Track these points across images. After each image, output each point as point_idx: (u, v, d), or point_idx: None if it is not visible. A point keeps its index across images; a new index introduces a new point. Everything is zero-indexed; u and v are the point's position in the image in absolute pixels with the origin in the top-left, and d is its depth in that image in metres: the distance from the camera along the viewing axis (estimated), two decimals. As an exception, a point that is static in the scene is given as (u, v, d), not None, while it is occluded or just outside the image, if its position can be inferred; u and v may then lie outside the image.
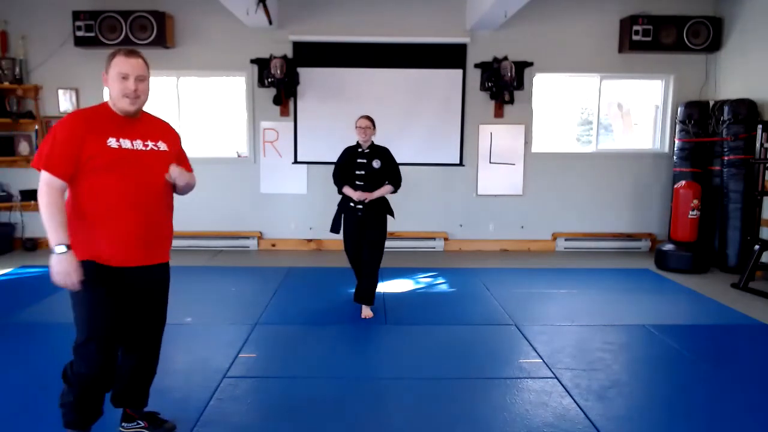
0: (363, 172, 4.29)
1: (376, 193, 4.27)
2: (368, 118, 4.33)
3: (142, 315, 2.40)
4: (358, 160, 4.32)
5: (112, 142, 2.20)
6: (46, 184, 2.12)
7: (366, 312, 4.35)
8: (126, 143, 2.24)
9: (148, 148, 2.30)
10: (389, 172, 4.32)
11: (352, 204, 4.30)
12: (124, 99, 2.21)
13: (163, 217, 2.39)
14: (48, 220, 2.09)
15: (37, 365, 3.41)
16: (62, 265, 2.08)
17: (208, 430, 2.68)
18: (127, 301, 2.32)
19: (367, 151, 4.33)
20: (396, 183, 4.35)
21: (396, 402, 2.99)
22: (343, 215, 4.41)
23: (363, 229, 4.32)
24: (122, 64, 2.21)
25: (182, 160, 2.49)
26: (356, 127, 4.32)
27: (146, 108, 2.40)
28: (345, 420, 2.80)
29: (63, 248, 2.07)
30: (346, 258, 4.59)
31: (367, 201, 4.24)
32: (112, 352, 2.31)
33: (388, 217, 4.45)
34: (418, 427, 2.74)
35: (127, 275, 2.27)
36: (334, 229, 4.46)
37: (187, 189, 2.46)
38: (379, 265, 4.37)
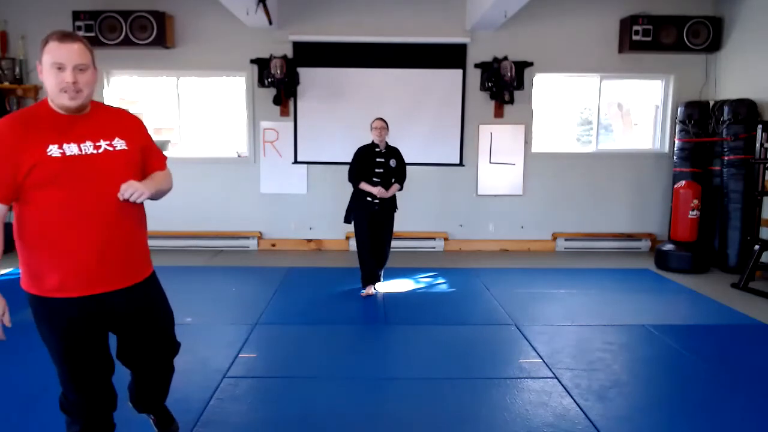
0: (382, 170, 4.74)
1: (391, 191, 4.77)
2: (383, 119, 4.75)
3: (136, 341, 2.10)
4: (377, 160, 4.74)
5: (54, 150, 1.78)
6: None
7: (370, 291, 4.87)
8: (72, 149, 1.81)
9: (101, 150, 1.87)
10: (399, 171, 4.82)
11: (369, 198, 4.73)
12: (62, 94, 1.79)
13: (132, 229, 1.98)
14: None
15: (37, 365, 3.40)
16: None
17: (208, 430, 2.68)
18: (114, 330, 2.04)
19: (384, 151, 4.77)
20: (402, 183, 4.88)
21: (396, 402, 2.99)
22: (357, 207, 4.81)
23: (377, 219, 4.80)
24: (56, 51, 1.77)
25: (150, 154, 2.06)
26: (372, 128, 4.72)
27: (115, 105, 2.10)
28: (345, 420, 2.80)
29: None
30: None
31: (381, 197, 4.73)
32: (103, 377, 2.04)
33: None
34: (418, 427, 2.74)
35: (102, 303, 1.92)
36: (348, 219, 4.88)
37: (158, 195, 2.01)
38: (389, 250, 5.04)
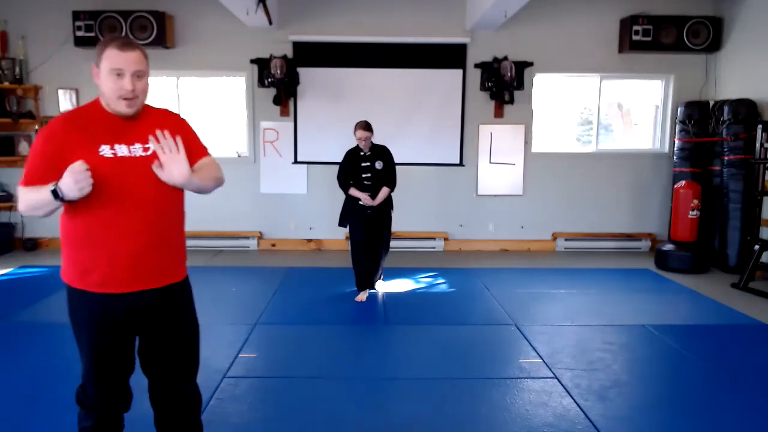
0: (369, 174, 4.64)
1: (380, 198, 4.64)
2: (365, 128, 4.56)
3: (163, 345, 2.04)
4: (363, 164, 4.64)
5: (106, 150, 1.84)
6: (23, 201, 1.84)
7: (364, 296, 4.77)
8: (122, 150, 1.87)
9: (149, 153, 1.90)
10: (388, 173, 4.69)
11: (361, 203, 4.64)
12: (120, 101, 1.85)
13: (172, 230, 2.02)
14: (33, 199, 1.82)
15: (37, 365, 3.41)
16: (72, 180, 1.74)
17: (208, 430, 2.67)
18: (142, 330, 2.02)
19: (369, 153, 4.65)
20: (392, 185, 4.73)
21: (396, 402, 2.99)
22: (350, 211, 4.73)
23: (372, 222, 4.70)
24: (116, 58, 1.82)
25: (195, 153, 2.05)
26: (356, 138, 4.60)
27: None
28: (345, 420, 2.80)
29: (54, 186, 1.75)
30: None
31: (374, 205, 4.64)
32: (123, 377, 2.04)
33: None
34: (418, 427, 2.74)
35: (138, 301, 1.93)
36: (343, 224, 4.84)
37: (205, 182, 2.02)
38: (388, 250, 4.93)
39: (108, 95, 1.86)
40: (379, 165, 4.64)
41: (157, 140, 1.86)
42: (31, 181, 1.83)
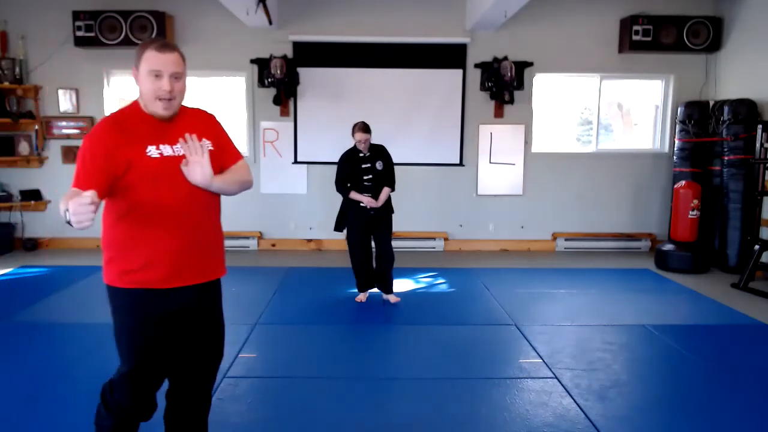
0: (370, 176, 4.51)
1: (382, 198, 4.52)
2: (365, 130, 4.46)
3: (196, 341, 2.09)
4: (363, 165, 4.50)
5: (152, 150, 1.89)
6: None
7: (393, 298, 4.68)
8: (167, 150, 1.91)
9: None
10: (388, 173, 4.58)
11: (362, 205, 4.50)
12: (157, 102, 1.89)
13: (214, 227, 2.09)
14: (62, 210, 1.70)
15: (37, 365, 3.41)
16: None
17: (208, 430, 2.68)
18: (179, 327, 2.04)
19: (368, 154, 4.52)
20: (393, 185, 4.62)
21: (396, 402, 2.99)
22: (350, 215, 4.57)
23: (373, 226, 4.58)
24: (155, 59, 1.86)
25: (227, 154, 2.10)
26: (355, 140, 4.48)
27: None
28: (345, 420, 2.80)
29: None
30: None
31: (376, 207, 4.51)
32: (156, 385, 2.07)
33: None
34: (418, 427, 2.74)
35: (182, 297, 1.99)
36: (339, 227, 4.65)
37: (233, 185, 2.08)
38: (393, 259, 4.71)
39: (146, 96, 1.90)
40: (379, 165, 4.52)
41: (186, 141, 1.92)
42: (78, 183, 1.81)
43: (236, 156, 2.14)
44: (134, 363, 1.98)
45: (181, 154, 1.92)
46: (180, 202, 1.93)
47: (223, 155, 2.08)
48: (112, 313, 1.99)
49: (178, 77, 1.90)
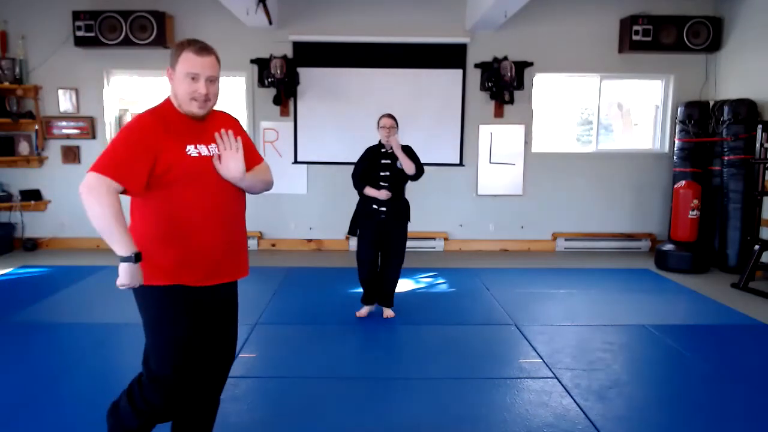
0: (388, 173, 4.16)
1: (401, 154, 4.05)
2: (391, 116, 4.17)
3: (218, 339, 2.13)
4: (383, 161, 4.18)
5: (192, 149, 1.92)
6: (104, 185, 1.78)
7: (388, 312, 4.36)
8: (203, 149, 1.95)
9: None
10: (412, 158, 4.16)
11: (375, 206, 4.14)
12: (193, 102, 1.92)
13: (241, 227, 2.14)
14: (111, 224, 1.77)
15: (37, 365, 3.41)
16: (134, 273, 1.82)
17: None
18: (209, 324, 2.08)
19: (391, 151, 4.17)
20: (419, 169, 4.13)
21: (396, 402, 2.99)
22: (362, 217, 4.24)
23: (385, 232, 4.19)
24: (192, 62, 1.90)
25: (251, 155, 2.15)
26: (379, 127, 4.17)
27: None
28: (345, 420, 2.80)
29: (135, 258, 1.80)
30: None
31: (387, 198, 4.11)
32: (194, 386, 2.07)
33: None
34: (418, 427, 2.74)
35: (210, 294, 2.03)
36: (352, 231, 4.36)
37: (255, 187, 2.14)
38: (401, 267, 4.32)
39: (181, 97, 1.93)
40: (400, 164, 4.13)
41: (221, 137, 1.99)
42: (116, 169, 1.80)
43: (259, 158, 2.21)
44: (175, 366, 1.97)
45: (216, 153, 1.97)
46: (216, 201, 1.97)
47: (248, 156, 2.11)
48: (147, 311, 1.98)
49: (213, 80, 1.94)
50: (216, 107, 2.08)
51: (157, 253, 1.92)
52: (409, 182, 4.26)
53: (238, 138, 2.04)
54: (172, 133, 1.90)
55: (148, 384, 2.01)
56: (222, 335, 2.14)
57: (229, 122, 2.13)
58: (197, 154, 1.93)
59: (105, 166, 1.81)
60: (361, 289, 4.44)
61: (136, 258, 1.82)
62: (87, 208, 1.78)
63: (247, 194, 2.16)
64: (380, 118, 4.20)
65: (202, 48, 1.92)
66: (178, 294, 1.95)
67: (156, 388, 2.00)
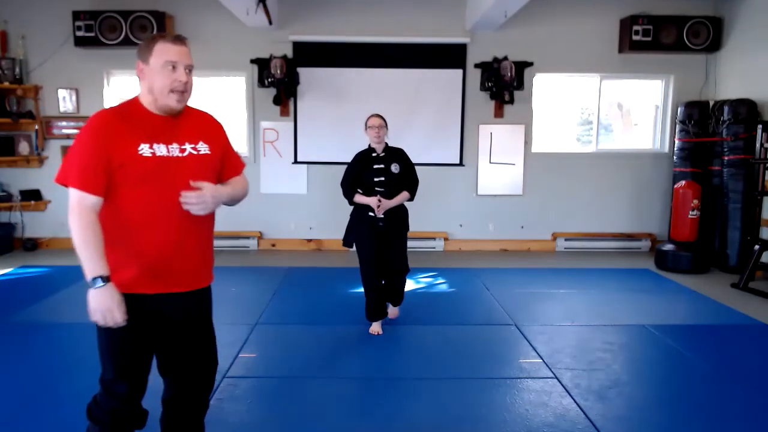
0: (382, 178, 3.85)
1: (394, 202, 3.87)
2: (380, 116, 3.89)
3: (183, 351, 2.02)
4: (375, 166, 3.87)
5: (145, 149, 1.80)
6: (78, 204, 1.75)
7: (394, 312, 4.24)
8: (161, 149, 1.83)
9: (186, 153, 1.89)
10: (407, 177, 3.96)
11: (371, 213, 3.85)
12: (172, 95, 1.83)
13: (204, 234, 2.00)
14: (83, 246, 1.73)
15: (37, 365, 3.41)
16: (102, 301, 1.74)
17: (208, 430, 2.68)
18: (164, 335, 1.98)
19: (383, 154, 3.91)
20: (413, 191, 4.00)
21: (396, 402, 2.99)
22: (357, 228, 3.97)
23: (384, 242, 3.93)
24: (170, 50, 1.82)
25: (228, 160, 2.07)
26: (367, 127, 3.88)
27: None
28: (344, 420, 2.80)
29: (101, 281, 1.73)
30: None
31: (384, 211, 3.84)
32: (143, 389, 2.02)
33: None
34: (418, 427, 2.74)
35: (165, 304, 1.92)
36: (347, 243, 4.03)
37: (232, 202, 2.05)
38: (407, 271, 4.15)
39: (159, 89, 1.83)
40: (395, 168, 3.87)
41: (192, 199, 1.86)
42: (85, 180, 1.75)
43: (239, 166, 2.12)
44: (117, 372, 1.92)
45: (175, 155, 1.86)
46: (171, 206, 1.84)
47: (227, 164, 2.05)
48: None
49: (190, 70, 1.88)
50: (201, 106, 2.03)
51: (106, 256, 1.81)
52: None
53: (204, 188, 1.87)
54: (127, 130, 1.80)
55: (102, 389, 1.98)
56: (190, 349, 2.02)
57: (209, 124, 2.03)
58: (151, 154, 1.81)
59: (75, 177, 1.76)
60: (359, 285, 4.19)
61: (99, 281, 1.73)
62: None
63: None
64: (368, 118, 3.91)
65: (177, 38, 1.86)
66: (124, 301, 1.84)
67: (108, 393, 1.96)
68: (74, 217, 1.75)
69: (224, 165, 2.05)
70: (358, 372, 3.39)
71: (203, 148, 1.93)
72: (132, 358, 1.93)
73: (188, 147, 1.89)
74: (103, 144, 1.77)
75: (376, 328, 4.02)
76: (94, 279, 1.73)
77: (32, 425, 2.70)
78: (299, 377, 3.28)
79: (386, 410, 2.90)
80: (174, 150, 1.86)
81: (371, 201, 3.83)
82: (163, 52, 1.82)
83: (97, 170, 1.76)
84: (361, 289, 4.09)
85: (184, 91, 1.85)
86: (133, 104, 1.89)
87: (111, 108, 1.89)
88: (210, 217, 2.01)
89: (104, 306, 1.74)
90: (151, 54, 1.83)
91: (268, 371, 3.37)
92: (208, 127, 2.01)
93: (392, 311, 4.27)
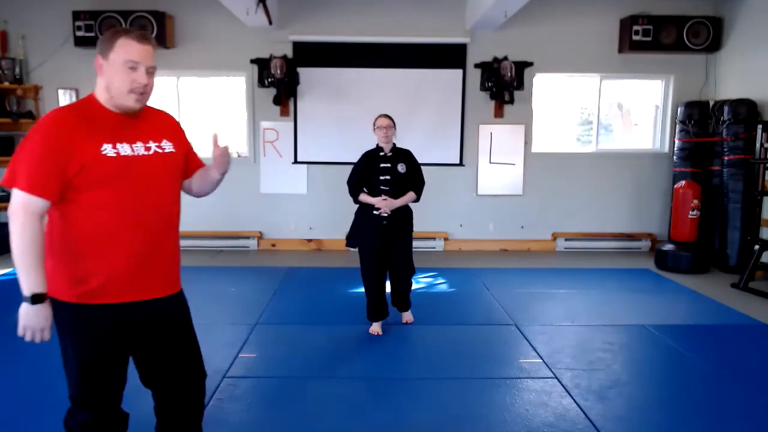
0: (388, 177, 3.88)
1: (400, 201, 3.90)
2: (388, 116, 3.93)
3: (163, 359, 1.92)
4: (382, 165, 3.91)
5: (108, 149, 1.70)
6: (23, 208, 1.63)
7: (408, 317, 4.23)
8: (125, 149, 1.74)
9: (151, 152, 1.80)
10: (413, 177, 3.99)
11: (375, 212, 3.88)
12: (130, 95, 1.73)
13: (171, 236, 1.91)
14: (23, 256, 1.63)
15: (37, 365, 3.40)
16: (37, 321, 1.68)
17: (208, 430, 2.67)
18: (139, 344, 1.88)
19: (390, 154, 3.95)
20: (419, 192, 4.01)
21: (396, 402, 2.99)
22: (360, 228, 3.99)
23: (386, 240, 3.92)
24: (132, 49, 1.71)
25: (192, 159, 2.04)
26: (376, 127, 3.92)
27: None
28: (344, 420, 2.80)
29: (38, 299, 1.65)
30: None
31: (390, 211, 3.86)
32: (117, 400, 1.91)
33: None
34: (418, 427, 2.74)
35: (137, 312, 1.81)
36: (351, 243, 4.07)
37: (212, 187, 2.08)
38: (413, 272, 4.14)
39: (116, 88, 1.73)
40: (402, 168, 3.90)
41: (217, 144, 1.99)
42: (35, 184, 1.63)
43: (201, 162, 2.11)
44: (83, 382, 1.81)
45: (140, 154, 1.77)
46: (137, 208, 1.76)
47: (191, 160, 2.03)
48: (58, 331, 1.83)
49: (152, 72, 1.76)
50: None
51: (67, 264, 1.73)
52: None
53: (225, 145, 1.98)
54: (87, 130, 1.69)
55: (74, 408, 1.89)
56: (170, 357, 1.92)
57: (169, 123, 1.97)
58: (115, 154, 1.71)
59: (23, 178, 1.64)
60: (360, 285, 4.20)
61: (33, 299, 1.64)
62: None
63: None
64: (376, 118, 3.96)
65: (142, 35, 1.74)
66: (87, 312, 1.74)
67: (79, 402, 1.86)
68: (17, 223, 1.63)
69: (188, 162, 2.02)
70: (358, 372, 3.39)
71: (168, 146, 1.87)
72: (103, 372, 1.82)
73: (153, 145, 1.82)
74: (59, 145, 1.65)
75: (376, 328, 4.03)
76: (33, 296, 1.64)
77: (32, 425, 2.70)
78: (299, 377, 3.28)
79: (386, 410, 2.90)
80: (139, 149, 1.78)
81: (376, 201, 3.86)
82: (125, 49, 1.71)
83: (49, 173, 1.64)
84: (362, 289, 4.11)
85: (144, 93, 1.76)
86: (90, 102, 1.79)
87: (67, 106, 1.79)
88: (177, 218, 1.95)
89: (38, 325, 1.68)
90: (112, 49, 1.72)
91: (268, 371, 3.37)
92: (169, 126, 1.95)
93: (405, 316, 4.23)
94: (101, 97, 1.79)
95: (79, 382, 1.81)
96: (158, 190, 1.82)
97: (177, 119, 2.03)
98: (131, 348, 1.88)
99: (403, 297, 4.15)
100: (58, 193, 1.67)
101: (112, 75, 1.72)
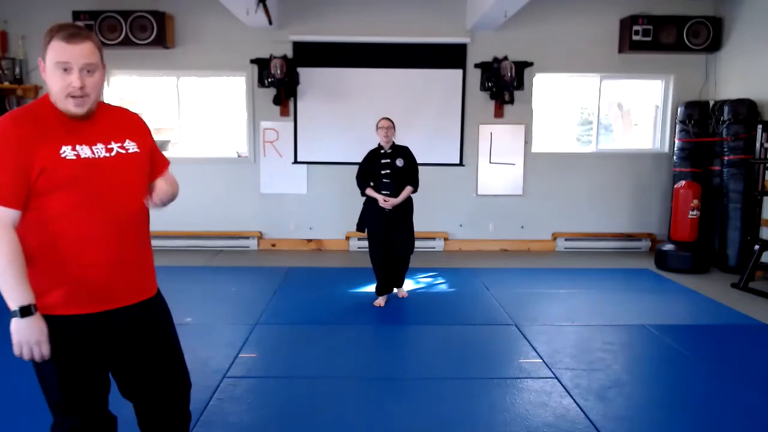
0: (388, 171, 4.53)
1: (400, 199, 4.52)
2: (389, 119, 4.58)
3: (140, 369, 1.83)
4: (382, 161, 4.55)
5: (67, 151, 1.61)
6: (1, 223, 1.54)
7: (402, 292, 4.81)
8: (85, 151, 1.64)
9: (113, 153, 1.70)
10: (410, 171, 4.59)
11: (380, 206, 4.52)
12: (69, 100, 1.61)
13: (143, 240, 1.81)
14: (6, 269, 1.54)
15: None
16: (30, 334, 1.57)
17: (208, 430, 2.68)
18: (114, 354, 1.78)
19: (390, 151, 4.58)
20: (415, 184, 4.63)
21: (396, 402, 2.99)
22: (369, 212, 4.62)
23: (392, 224, 4.56)
24: (61, 50, 1.57)
25: (157, 158, 1.89)
26: (378, 128, 4.56)
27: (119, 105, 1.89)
28: (344, 420, 2.80)
29: (28, 311, 1.55)
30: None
31: (392, 207, 4.49)
32: (103, 405, 1.83)
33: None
34: (418, 427, 2.74)
35: (109, 321, 1.71)
36: (360, 227, 4.71)
37: (169, 200, 1.87)
38: (412, 250, 4.73)
39: (55, 93, 1.62)
40: (399, 162, 4.54)
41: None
42: (3, 195, 1.55)
43: (165, 162, 1.94)
44: (61, 394, 1.72)
45: (101, 156, 1.67)
46: (104, 212, 1.66)
47: (155, 160, 1.88)
48: None
49: (91, 70, 1.62)
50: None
51: (32, 276, 1.61)
52: None
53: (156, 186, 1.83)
54: (43, 133, 1.59)
55: (57, 414, 1.79)
56: (149, 365, 1.83)
57: (130, 120, 1.84)
58: (75, 157, 1.61)
59: None
60: (364, 289, 4.49)
61: (22, 312, 1.55)
62: None
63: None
64: (379, 120, 4.59)
65: (74, 34, 1.59)
66: (53, 324, 1.62)
67: (61, 415, 1.77)
68: None
69: (153, 164, 1.87)
70: (358, 372, 3.39)
71: (131, 146, 1.75)
72: (81, 381, 1.73)
73: (115, 146, 1.71)
74: (18, 151, 1.56)
75: (380, 301, 4.61)
76: (21, 309, 1.55)
77: (32, 425, 2.70)
78: (299, 377, 3.28)
79: (386, 410, 2.90)
80: (99, 150, 1.67)
81: (379, 200, 4.49)
82: (55, 51, 1.58)
83: (16, 181, 1.56)
84: (362, 289, 4.45)
85: (83, 95, 1.61)
86: (43, 104, 1.67)
87: (19, 110, 1.67)
88: (147, 221, 1.85)
89: (32, 339, 1.57)
90: (47, 51, 1.60)
91: (268, 371, 3.38)
92: (131, 124, 1.83)
93: (401, 292, 4.81)
94: (51, 98, 1.67)
95: (58, 390, 1.73)
96: (123, 193, 1.72)
97: (139, 116, 1.90)
98: (106, 358, 1.78)
99: (401, 273, 4.74)
100: (22, 201, 1.59)
101: (48, 78, 1.62)
